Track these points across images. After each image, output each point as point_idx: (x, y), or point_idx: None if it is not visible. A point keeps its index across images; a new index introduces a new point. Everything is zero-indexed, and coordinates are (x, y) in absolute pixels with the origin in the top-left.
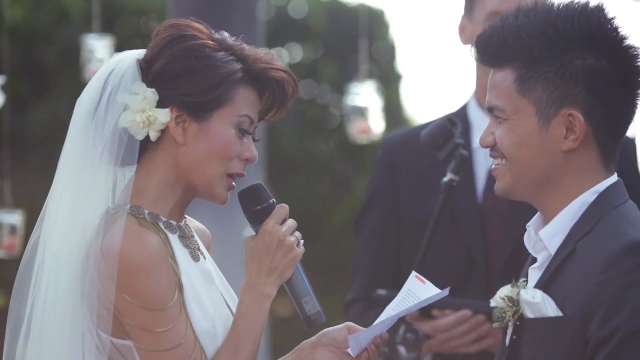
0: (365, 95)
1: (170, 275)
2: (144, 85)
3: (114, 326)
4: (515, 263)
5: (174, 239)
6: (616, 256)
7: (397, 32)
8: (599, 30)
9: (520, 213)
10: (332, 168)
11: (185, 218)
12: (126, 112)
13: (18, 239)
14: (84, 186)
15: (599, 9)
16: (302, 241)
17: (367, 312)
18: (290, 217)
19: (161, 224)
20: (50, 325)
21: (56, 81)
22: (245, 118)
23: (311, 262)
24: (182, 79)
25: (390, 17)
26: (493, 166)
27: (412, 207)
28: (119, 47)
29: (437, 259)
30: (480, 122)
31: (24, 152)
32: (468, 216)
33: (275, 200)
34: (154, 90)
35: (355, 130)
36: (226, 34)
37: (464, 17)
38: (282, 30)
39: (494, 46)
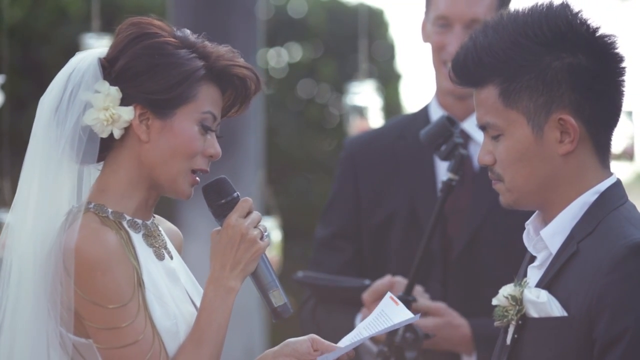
0: (364, 94)
1: (129, 272)
2: (106, 83)
3: (73, 325)
4: (470, 255)
5: (136, 237)
6: (622, 257)
7: (397, 31)
8: (569, 27)
9: (478, 209)
10: (332, 167)
11: (154, 217)
12: (90, 110)
13: None
14: (48, 184)
15: (564, 6)
16: (267, 233)
17: (317, 308)
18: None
19: (124, 223)
20: (18, 323)
21: None
22: (208, 115)
23: (309, 261)
24: (145, 77)
25: (390, 16)
26: (493, 181)
27: (374, 207)
28: None
29: (398, 256)
30: None
31: (23, 151)
32: (428, 217)
33: (239, 194)
34: (117, 87)
35: (354, 130)
36: (188, 32)
37: (425, 15)
38: (281, 30)
39: (470, 67)
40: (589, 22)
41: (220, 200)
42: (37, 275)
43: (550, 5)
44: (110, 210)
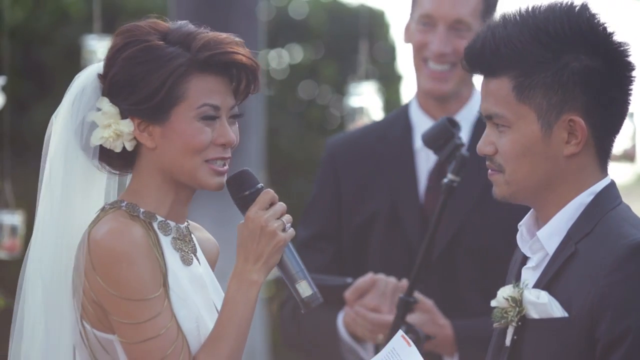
0: (365, 95)
1: (155, 267)
2: (105, 100)
3: (98, 319)
4: (448, 257)
5: (165, 240)
6: (624, 257)
7: (398, 33)
8: (589, 28)
9: (457, 212)
10: None
11: (188, 222)
12: (95, 130)
13: (18, 240)
14: (75, 185)
15: (584, 7)
16: (289, 224)
17: (298, 310)
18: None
19: (155, 224)
20: (45, 319)
21: (56, 82)
22: (205, 107)
23: None
24: (127, 90)
25: (391, 18)
26: (489, 171)
27: (355, 208)
28: None
29: (379, 255)
30: (420, 123)
31: (24, 153)
32: (410, 216)
33: (263, 185)
34: (111, 103)
35: None
36: (184, 23)
37: (410, 16)
38: (282, 31)
39: (486, 56)
40: (606, 25)
41: (243, 192)
42: (63, 271)
43: (572, 4)
44: (142, 210)
